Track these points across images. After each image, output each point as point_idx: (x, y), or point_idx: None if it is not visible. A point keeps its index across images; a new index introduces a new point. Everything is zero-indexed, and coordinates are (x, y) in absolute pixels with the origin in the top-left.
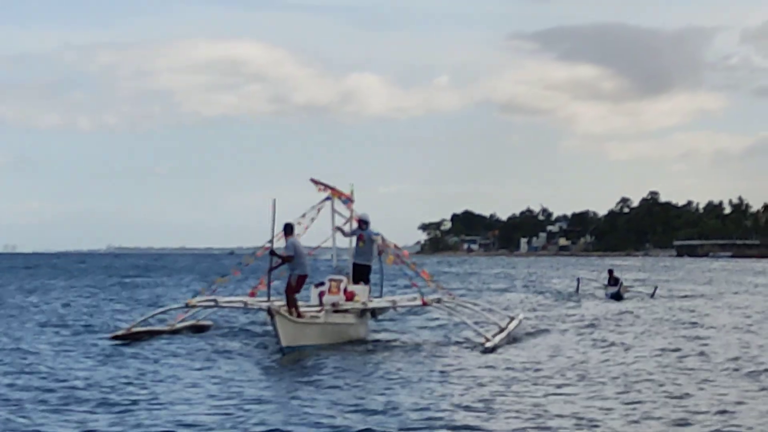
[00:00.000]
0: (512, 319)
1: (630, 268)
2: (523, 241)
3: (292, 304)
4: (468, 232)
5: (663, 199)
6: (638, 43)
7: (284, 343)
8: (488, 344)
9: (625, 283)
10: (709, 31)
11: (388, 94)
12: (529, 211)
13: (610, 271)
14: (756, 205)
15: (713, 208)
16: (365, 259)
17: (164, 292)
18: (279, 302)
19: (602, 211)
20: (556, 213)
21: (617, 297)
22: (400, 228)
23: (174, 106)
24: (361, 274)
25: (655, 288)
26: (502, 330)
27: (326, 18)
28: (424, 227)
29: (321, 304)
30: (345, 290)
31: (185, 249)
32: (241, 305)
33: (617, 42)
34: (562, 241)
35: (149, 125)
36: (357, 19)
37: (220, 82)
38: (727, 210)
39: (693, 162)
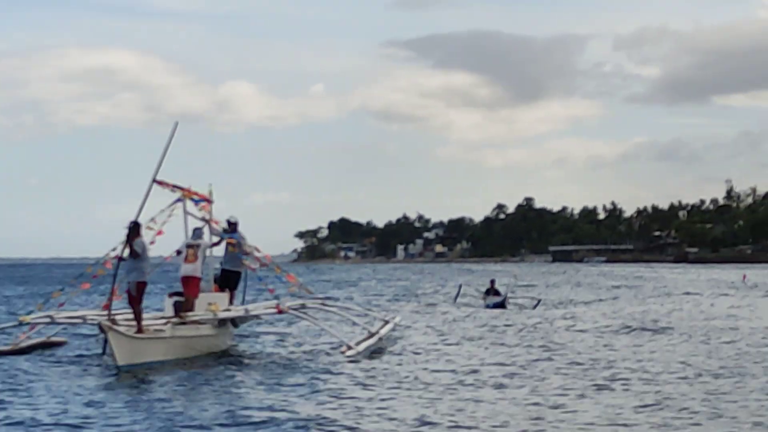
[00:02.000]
0: (386, 322)
1: (506, 273)
2: (400, 247)
3: (136, 316)
4: (345, 240)
5: (538, 205)
6: (512, 50)
7: (120, 361)
8: (349, 352)
9: (509, 294)
10: (581, 38)
11: (264, 102)
12: (405, 218)
13: (492, 282)
14: (629, 211)
15: (587, 214)
16: (234, 265)
17: (20, 305)
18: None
19: (478, 218)
20: (433, 220)
21: (500, 306)
22: (276, 236)
23: (46, 116)
24: (228, 280)
25: (538, 301)
26: (371, 335)
27: (199, 26)
28: (301, 235)
29: (176, 314)
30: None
31: (59, 259)
32: (80, 320)
33: (491, 50)
34: (439, 248)
35: (21, 136)
36: (231, 27)
37: (93, 91)
38: (602, 215)
39: (567, 168)
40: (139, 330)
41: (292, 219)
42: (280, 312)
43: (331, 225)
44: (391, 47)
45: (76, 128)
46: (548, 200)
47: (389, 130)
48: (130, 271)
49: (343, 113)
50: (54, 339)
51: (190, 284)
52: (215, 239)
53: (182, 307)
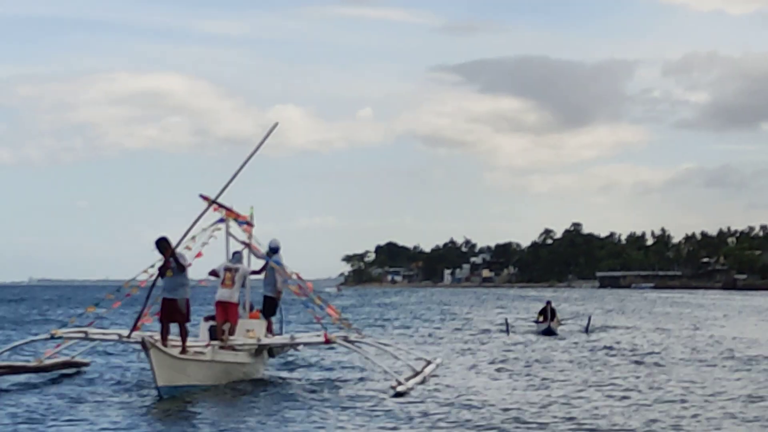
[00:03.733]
0: (428, 363)
1: (554, 299)
2: (447, 272)
3: (182, 335)
4: (392, 264)
5: (585, 230)
6: (560, 75)
7: (160, 382)
8: (400, 387)
9: (558, 316)
10: (630, 64)
11: (311, 126)
12: (452, 242)
13: (548, 303)
14: (677, 237)
15: (635, 240)
16: (271, 290)
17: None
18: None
19: (525, 243)
20: (480, 244)
21: (549, 332)
22: (323, 260)
23: (95, 139)
24: (266, 307)
25: (589, 319)
26: (416, 374)
27: (248, 50)
28: (348, 259)
29: (212, 338)
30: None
31: (107, 281)
32: (116, 338)
33: (539, 75)
34: (486, 273)
35: (70, 158)
36: (279, 52)
37: (142, 114)
38: (650, 241)
39: (615, 194)
40: (183, 350)
41: (339, 243)
42: (328, 342)
43: (379, 249)
44: (438, 72)
45: (124, 151)
46: (595, 226)
47: (436, 155)
48: (175, 288)
49: (390, 138)
50: (78, 359)
51: (227, 310)
52: (258, 264)
53: (218, 333)
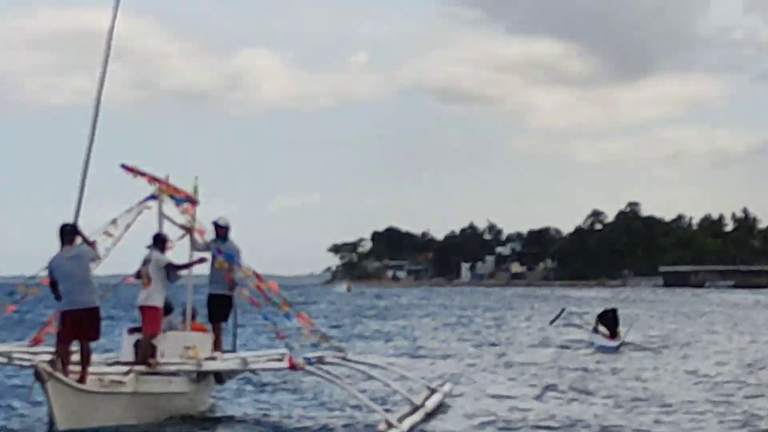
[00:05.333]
0: (433, 391)
1: (603, 302)
2: (465, 266)
3: (83, 358)
4: (393, 256)
5: (645, 212)
6: (613, 11)
7: (61, 426)
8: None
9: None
10: None
11: (290, 77)
12: (472, 228)
13: (613, 312)
14: (765, 221)
15: (710, 225)
16: (222, 287)
17: None
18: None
19: (567, 229)
20: (508, 231)
21: (612, 350)
22: (304, 251)
23: (7, 93)
24: (218, 309)
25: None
26: (415, 408)
27: None
28: (336, 249)
29: (138, 358)
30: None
31: (21, 278)
32: (5, 360)
33: (586, 10)
34: (516, 267)
35: None
36: None
37: (68, 61)
38: (729, 227)
39: (684, 165)
40: (83, 378)
41: (325, 228)
42: (293, 368)
43: (376, 236)
44: (455, 6)
45: (45, 108)
46: (659, 206)
47: (451, 114)
48: (73, 293)
49: (391, 92)
50: None
51: (146, 317)
52: (197, 256)
53: (141, 351)
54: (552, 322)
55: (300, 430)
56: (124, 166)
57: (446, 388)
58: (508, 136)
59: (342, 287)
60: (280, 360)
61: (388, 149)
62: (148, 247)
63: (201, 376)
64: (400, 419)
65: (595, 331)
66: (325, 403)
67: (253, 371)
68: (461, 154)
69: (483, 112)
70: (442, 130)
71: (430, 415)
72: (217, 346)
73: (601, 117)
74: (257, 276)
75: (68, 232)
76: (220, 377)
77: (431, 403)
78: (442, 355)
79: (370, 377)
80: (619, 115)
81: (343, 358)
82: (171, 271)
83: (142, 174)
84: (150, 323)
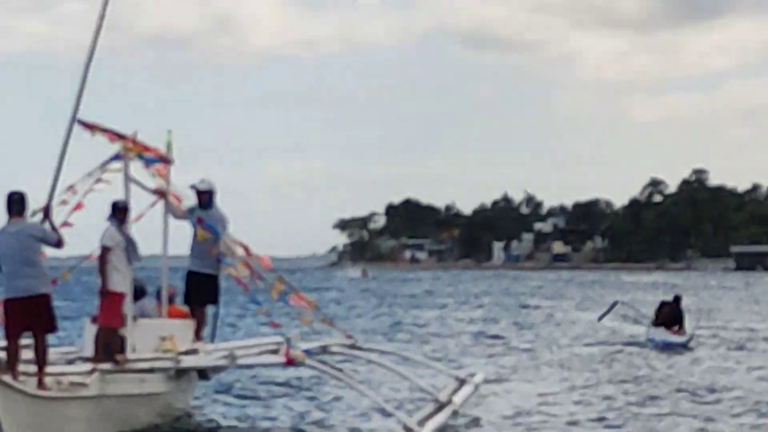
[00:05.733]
0: (462, 382)
1: (663, 288)
2: (498, 246)
3: (38, 357)
4: (412, 233)
5: (714, 181)
6: None
7: None
8: None
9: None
10: None
11: (287, 18)
12: (506, 200)
13: (676, 301)
14: None
15: None
16: (206, 265)
17: None
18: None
19: (620, 201)
20: (549, 204)
21: (676, 346)
22: (305, 226)
23: None
24: (200, 290)
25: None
26: (440, 405)
27: None
28: (343, 225)
29: (100, 354)
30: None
31: None
32: None
33: None
34: (558, 247)
35: None
36: None
37: (23, 2)
38: None
39: (761, 125)
40: (41, 382)
41: (330, 200)
42: (291, 363)
43: (391, 210)
44: None
45: None
46: (730, 174)
47: (482, 63)
48: (15, 277)
49: (410, 36)
50: None
51: (104, 304)
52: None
53: (101, 344)
54: (601, 317)
55: None
56: (80, 122)
57: (477, 378)
58: (549, 90)
59: (355, 271)
60: (275, 353)
61: (405, 106)
62: (109, 219)
63: (180, 373)
64: (422, 422)
65: (656, 324)
66: (330, 403)
67: (242, 366)
68: (493, 112)
69: (519, 62)
70: (469, 83)
71: (457, 413)
72: (198, 334)
73: (661, 67)
74: (245, 249)
75: (15, 202)
76: (204, 372)
77: (459, 398)
78: (473, 349)
79: (386, 370)
80: (684, 65)
81: (353, 347)
82: (131, 250)
83: (104, 131)
84: (108, 312)
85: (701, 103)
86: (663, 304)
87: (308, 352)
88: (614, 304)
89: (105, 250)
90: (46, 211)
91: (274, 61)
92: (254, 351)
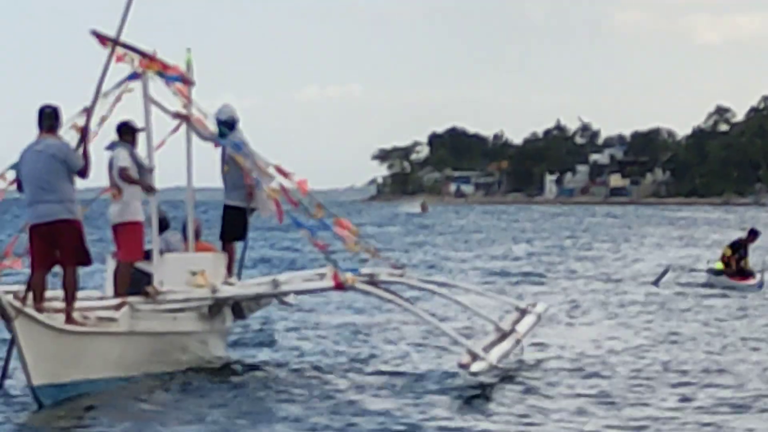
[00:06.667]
0: (524, 312)
1: (730, 224)
2: (550, 179)
3: (66, 292)
4: (457, 165)
5: None
6: None
7: (36, 379)
8: (475, 366)
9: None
10: None
11: None
12: (559, 128)
13: (753, 235)
14: None
15: None
16: (237, 196)
17: None
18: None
19: (683, 131)
20: (606, 133)
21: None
22: (342, 156)
23: None
24: (229, 225)
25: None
26: (503, 334)
27: None
28: (383, 156)
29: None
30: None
31: None
32: None
33: None
34: (616, 180)
35: None
36: None
37: None
38: None
39: None
40: (69, 317)
41: (369, 129)
42: (340, 287)
43: (435, 139)
44: None
45: None
46: None
47: None
48: (37, 200)
49: None
50: None
51: (122, 237)
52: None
53: (118, 281)
54: (656, 282)
55: (357, 372)
56: (95, 34)
57: (539, 308)
58: (605, 8)
59: (413, 205)
60: (321, 278)
61: (451, 26)
62: (112, 144)
63: (215, 310)
64: (487, 348)
65: (718, 272)
66: (384, 333)
67: (287, 295)
68: (545, 33)
69: None
70: (521, 3)
71: (521, 342)
72: (230, 269)
73: None
74: (279, 171)
75: (48, 116)
76: (239, 310)
77: (523, 327)
78: (533, 287)
79: (443, 299)
80: None
81: (402, 276)
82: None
83: (121, 45)
84: (128, 245)
85: None
86: (734, 244)
87: (358, 275)
88: (667, 268)
89: (123, 171)
90: (84, 132)
91: None
92: (300, 279)
